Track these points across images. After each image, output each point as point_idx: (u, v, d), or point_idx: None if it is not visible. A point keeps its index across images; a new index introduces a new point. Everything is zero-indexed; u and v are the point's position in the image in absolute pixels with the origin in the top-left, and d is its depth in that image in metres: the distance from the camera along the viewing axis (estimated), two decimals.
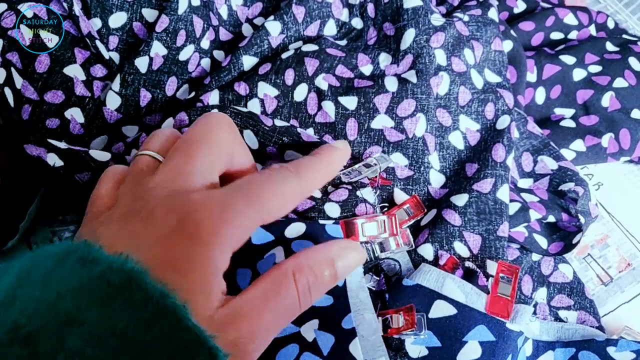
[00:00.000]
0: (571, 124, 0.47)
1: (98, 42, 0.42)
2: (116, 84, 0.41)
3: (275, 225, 0.35)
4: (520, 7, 0.54)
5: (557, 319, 0.40)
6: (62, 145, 0.36)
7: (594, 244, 0.45)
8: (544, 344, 0.38)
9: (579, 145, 0.46)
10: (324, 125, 0.43)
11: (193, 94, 0.42)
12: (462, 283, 0.36)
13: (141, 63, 0.42)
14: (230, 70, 0.43)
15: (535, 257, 0.41)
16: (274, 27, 0.45)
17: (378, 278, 0.37)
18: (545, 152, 0.44)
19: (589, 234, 0.44)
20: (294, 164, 0.27)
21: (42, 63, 0.40)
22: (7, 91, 0.39)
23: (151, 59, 0.42)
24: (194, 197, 0.23)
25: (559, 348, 0.38)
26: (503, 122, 0.44)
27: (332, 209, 0.37)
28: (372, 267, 0.38)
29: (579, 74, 0.49)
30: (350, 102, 0.43)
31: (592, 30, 0.53)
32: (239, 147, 0.29)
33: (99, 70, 0.42)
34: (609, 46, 0.51)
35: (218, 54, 0.46)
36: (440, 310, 0.35)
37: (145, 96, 0.42)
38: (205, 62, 0.45)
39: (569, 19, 0.52)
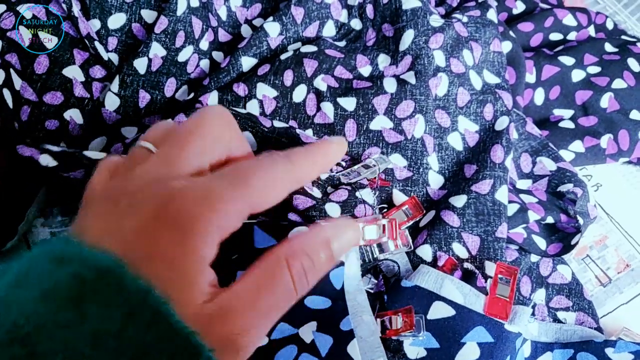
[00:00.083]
0: (570, 125, 0.47)
1: (97, 43, 0.42)
2: (115, 85, 0.41)
3: (277, 229, 0.35)
4: (519, 8, 0.54)
5: (556, 320, 0.40)
6: (56, 148, 0.36)
7: (593, 245, 0.45)
8: (542, 345, 0.38)
9: (577, 146, 0.46)
10: (323, 126, 0.43)
11: (192, 95, 0.42)
12: (461, 284, 0.36)
13: (140, 64, 0.42)
14: (229, 71, 0.43)
15: (534, 258, 0.41)
16: (273, 28, 0.45)
17: (376, 280, 0.37)
18: (544, 153, 0.44)
19: (587, 235, 0.44)
20: (286, 151, 0.26)
21: (41, 64, 0.41)
22: (6, 92, 0.39)
23: (150, 60, 0.42)
24: (174, 184, 0.22)
25: (558, 349, 0.38)
26: (502, 123, 0.44)
27: (333, 209, 0.37)
28: (371, 268, 0.38)
29: (577, 75, 0.49)
30: (349, 103, 0.43)
31: (591, 31, 0.53)
32: (237, 141, 0.28)
33: (98, 72, 0.42)
34: (608, 47, 0.51)
35: (217, 55, 0.46)
36: (438, 311, 0.35)
37: (144, 97, 0.42)
38: (204, 63, 0.45)
39: (568, 19, 0.52)
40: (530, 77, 0.49)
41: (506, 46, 0.48)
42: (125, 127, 0.42)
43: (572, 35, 0.53)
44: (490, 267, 0.38)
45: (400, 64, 0.45)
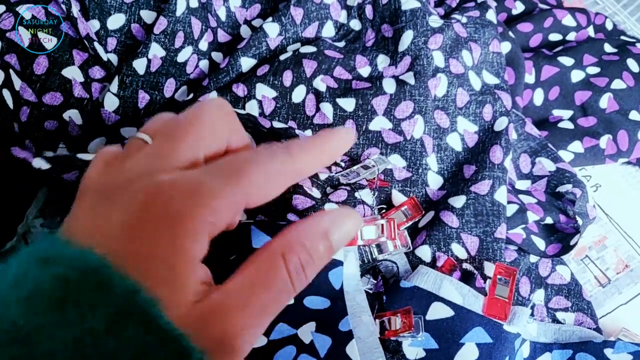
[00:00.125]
0: (569, 125, 0.47)
1: (96, 44, 0.42)
2: (114, 86, 0.41)
3: (276, 229, 0.35)
4: (518, 8, 0.54)
5: (555, 320, 0.40)
6: (49, 153, 0.36)
7: (592, 246, 0.45)
8: (541, 345, 0.38)
9: (577, 146, 0.46)
10: (322, 126, 0.43)
11: (191, 95, 0.42)
12: (460, 285, 0.36)
13: (139, 65, 0.42)
14: (229, 71, 0.43)
15: (533, 258, 0.41)
16: (272, 28, 0.45)
17: (375, 280, 0.37)
18: (543, 153, 0.44)
19: (586, 236, 0.44)
20: (286, 142, 0.25)
21: (41, 65, 0.41)
22: (6, 93, 0.39)
23: (149, 61, 0.42)
24: (162, 178, 0.21)
25: (557, 350, 0.38)
26: (501, 123, 0.44)
27: None
28: (370, 269, 0.38)
29: (577, 76, 0.49)
30: (348, 103, 0.43)
31: (590, 31, 0.53)
32: (237, 134, 0.26)
33: (97, 72, 0.42)
34: (607, 47, 0.51)
35: (216, 56, 0.46)
36: (437, 312, 0.35)
37: (143, 98, 0.42)
38: (204, 64, 0.45)
39: (567, 20, 0.52)
40: (530, 78, 0.49)
41: (505, 47, 0.48)
42: (125, 127, 0.42)
43: (571, 36, 0.53)
44: (489, 268, 0.38)
45: (400, 65, 0.45)
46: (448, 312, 0.35)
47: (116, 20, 0.44)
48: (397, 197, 0.41)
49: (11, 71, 0.39)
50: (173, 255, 0.20)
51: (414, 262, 0.39)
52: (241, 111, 0.40)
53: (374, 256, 0.38)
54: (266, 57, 0.45)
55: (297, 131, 0.41)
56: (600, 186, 0.48)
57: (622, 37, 0.53)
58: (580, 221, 0.40)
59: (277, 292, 0.21)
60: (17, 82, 0.40)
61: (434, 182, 0.42)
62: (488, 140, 0.43)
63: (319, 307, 0.34)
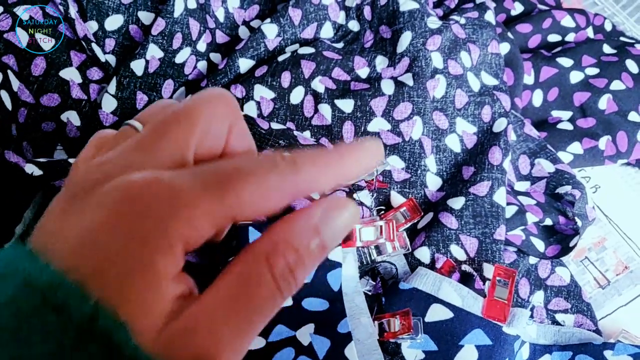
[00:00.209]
0: (568, 126, 0.47)
1: (94, 45, 0.42)
2: (112, 87, 0.41)
3: None
4: (517, 9, 0.54)
5: (554, 322, 0.40)
6: (42, 160, 0.36)
7: (591, 247, 0.45)
8: (540, 347, 0.38)
9: (576, 147, 0.46)
10: (321, 128, 0.43)
11: (189, 96, 0.42)
12: (459, 287, 0.36)
13: (137, 66, 0.42)
14: (227, 72, 0.43)
15: (532, 260, 0.41)
16: (270, 29, 0.45)
17: (374, 282, 0.37)
18: (542, 154, 0.44)
19: (586, 237, 0.44)
20: (294, 153, 0.20)
21: (38, 66, 0.40)
22: (4, 94, 0.39)
23: (147, 62, 0.42)
24: (135, 179, 0.18)
25: (556, 352, 0.37)
26: (500, 124, 0.44)
27: None
28: (369, 270, 0.38)
29: (576, 77, 0.49)
30: (346, 105, 0.43)
31: (589, 32, 0.53)
32: (237, 131, 0.22)
33: (95, 73, 0.42)
34: (606, 48, 0.51)
35: (214, 57, 0.46)
36: (436, 314, 0.35)
37: (141, 99, 0.42)
38: (202, 65, 0.45)
39: (566, 21, 0.52)
40: (529, 79, 0.49)
41: (504, 48, 0.48)
42: None
43: (570, 37, 0.53)
44: (489, 270, 0.38)
45: (398, 66, 0.44)
46: (447, 314, 0.35)
47: (114, 22, 0.44)
48: (396, 199, 0.41)
49: (9, 72, 0.39)
50: (141, 272, 0.17)
51: (413, 263, 0.38)
52: None
53: (372, 258, 0.38)
54: (264, 58, 0.45)
55: (295, 132, 0.41)
56: (600, 187, 0.48)
57: (621, 38, 0.53)
58: (579, 222, 0.40)
59: (262, 302, 0.18)
60: (15, 83, 0.40)
61: (433, 183, 0.42)
62: (487, 142, 0.43)
63: (318, 308, 0.34)
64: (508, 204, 0.41)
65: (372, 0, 0.48)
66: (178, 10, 0.43)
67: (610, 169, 0.48)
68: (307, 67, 0.43)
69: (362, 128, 0.42)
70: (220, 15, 0.47)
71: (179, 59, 0.44)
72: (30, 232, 0.40)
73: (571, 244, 0.41)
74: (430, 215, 0.41)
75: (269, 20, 0.45)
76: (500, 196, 0.40)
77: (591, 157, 0.46)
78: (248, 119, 0.39)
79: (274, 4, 0.49)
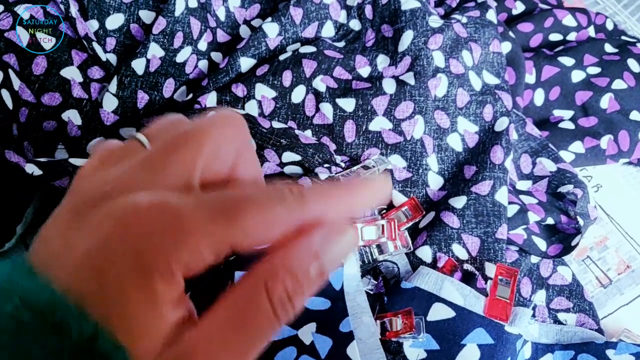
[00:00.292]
0: (570, 125, 0.47)
1: (95, 44, 0.42)
2: (113, 86, 0.41)
3: None
4: (518, 8, 0.54)
5: (556, 321, 0.39)
6: (42, 159, 0.36)
7: (593, 246, 0.45)
8: (543, 346, 0.38)
9: (577, 147, 0.46)
10: (322, 127, 0.43)
11: (190, 95, 0.42)
12: (461, 286, 0.36)
13: (138, 65, 0.42)
14: (228, 71, 0.43)
15: (534, 259, 0.41)
16: (271, 28, 0.45)
17: (376, 281, 0.37)
18: (544, 154, 0.44)
19: (588, 236, 0.44)
20: (302, 186, 0.20)
21: (39, 65, 0.40)
22: (5, 93, 0.39)
23: (148, 61, 0.42)
24: (142, 200, 0.18)
25: (558, 351, 0.37)
26: (501, 124, 0.43)
27: None
28: (370, 269, 0.38)
29: (577, 76, 0.49)
30: (348, 104, 0.43)
31: (591, 31, 0.53)
32: (245, 156, 0.23)
33: (96, 72, 0.42)
34: (608, 47, 0.51)
35: (215, 56, 0.46)
36: (438, 313, 0.35)
37: (142, 98, 0.42)
38: (203, 64, 0.45)
39: (568, 20, 0.52)
40: (530, 78, 0.49)
41: (506, 47, 0.48)
42: (124, 128, 0.42)
43: (571, 36, 0.52)
44: (491, 269, 0.38)
45: (400, 65, 0.44)
46: (449, 313, 0.35)
47: (115, 20, 0.44)
48: (398, 198, 0.41)
49: (10, 71, 0.39)
50: (142, 296, 0.17)
51: (415, 262, 0.38)
52: (241, 111, 0.40)
53: (374, 257, 0.38)
54: (266, 57, 0.45)
55: (296, 131, 0.41)
56: (601, 186, 0.48)
57: (623, 37, 0.53)
58: (581, 222, 0.40)
59: (260, 328, 0.19)
60: (16, 82, 0.40)
61: (435, 182, 0.42)
62: (489, 141, 0.43)
63: (320, 307, 0.34)
64: (510, 203, 0.41)
65: None
66: (179, 9, 0.43)
67: (612, 168, 0.48)
68: (309, 66, 0.43)
69: (364, 127, 0.42)
70: (221, 14, 0.47)
71: (180, 58, 0.44)
72: (31, 232, 0.40)
73: (573, 243, 0.40)
74: (432, 214, 0.40)
75: (270, 19, 0.45)
76: (502, 195, 0.40)
77: (593, 156, 0.46)
78: (249, 118, 0.39)
79: (275, 3, 0.49)
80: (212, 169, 0.21)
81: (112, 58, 0.43)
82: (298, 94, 0.43)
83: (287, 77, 0.43)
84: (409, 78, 0.43)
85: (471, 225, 0.39)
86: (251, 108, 0.42)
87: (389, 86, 0.43)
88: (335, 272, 0.35)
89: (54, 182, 0.36)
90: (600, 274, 0.43)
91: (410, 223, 0.40)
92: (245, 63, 0.44)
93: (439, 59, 0.44)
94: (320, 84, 0.43)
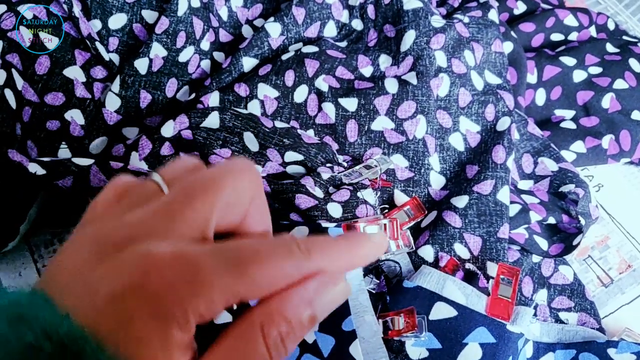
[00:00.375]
0: (571, 125, 0.47)
1: (98, 44, 0.42)
2: (116, 86, 0.41)
3: (278, 228, 0.35)
4: (520, 8, 0.54)
5: (558, 320, 0.40)
6: (46, 159, 0.36)
7: (595, 246, 0.45)
8: (544, 345, 0.38)
9: (579, 146, 0.46)
10: (325, 126, 0.43)
11: (193, 95, 0.42)
12: (463, 285, 0.36)
13: (141, 64, 0.42)
14: (231, 71, 0.43)
15: (536, 258, 0.41)
16: (274, 28, 0.45)
17: (378, 280, 0.37)
18: (545, 153, 0.44)
19: (589, 236, 0.44)
20: (309, 241, 0.22)
21: (42, 65, 0.40)
22: (8, 93, 0.39)
23: (151, 61, 0.42)
24: (164, 251, 0.20)
25: (560, 350, 0.38)
26: (503, 123, 0.44)
27: (335, 209, 0.37)
28: (373, 268, 0.38)
29: (579, 76, 0.49)
30: (350, 103, 0.43)
31: (592, 31, 0.53)
32: (257, 207, 0.24)
33: (99, 72, 0.42)
34: (609, 47, 0.51)
35: (218, 56, 0.46)
36: (440, 312, 0.35)
37: (145, 98, 0.42)
38: (205, 64, 0.45)
39: (569, 20, 0.52)
40: (532, 78, 0.49)
41: (507, 47, 0.48)
42: (127, 127, 0.42)
43: (573, 36, 0.53)
44: (492, 268, 0.38)
45: (402, 65, 0.45)
46: (451, 312, 0.35)
47: (118, 20, 0.44)
48: (400, 197, 0.41)
49: (13, 71, 0.39)
50: (157, 340, 0.19)
51: (417, 262, 0.39)
52: (243, 111, 0.40)
53: None
54: (268, 57, 0.45)
55: (299, 131, 0.41)
56: (603, 186, 0.48)
57: (624, 37, 0.53)
58: (582, 221, 0.40)
59: None
60: (20, 82, 0.40)
61: (437, 182, 0.42)
62: (490, 140, 0.43)
63: None
64: (511, 202, 0.41)
65: None
66: (182, 9, 0.43)
67: (613, 168, 0.49)
68: (311, 66, 0.43)
69: (366, 127, 0.42)
70: (224, 14, 0.47)
71: (182, 57, 0.44)
72: (34, 232, 0.40)
73: (574, 243, 0.41)
74: (434, 213, 0.41)
75: (272, 19, 0.45)
76: (504, 195, 0.40)
77: (594, 155, 0.46)
78: (252, 118, 0.39)
79: (277, 2, 0.49)
80: (226, 217, 0.22)
81: (115, 58, 0.44)
82: (300, 94, 0.43)
83: (289, 77, 0.43)
84: (412, 78, 0.43)
85: (473, 224, 0.39)
86: (254, 108, 0.42)
87: (392, 86, 0.43)
88: None
89: (57, 181, 0.36)
90: (601, 273, 0.44)
91: (413, 222, 0.40)
92: (248, 63, 0.44)
93: (441, 59, 0.44)
94: (323, 83, 0.43)
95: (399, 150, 0.42)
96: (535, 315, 0.39)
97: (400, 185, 0.42)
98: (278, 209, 0.37)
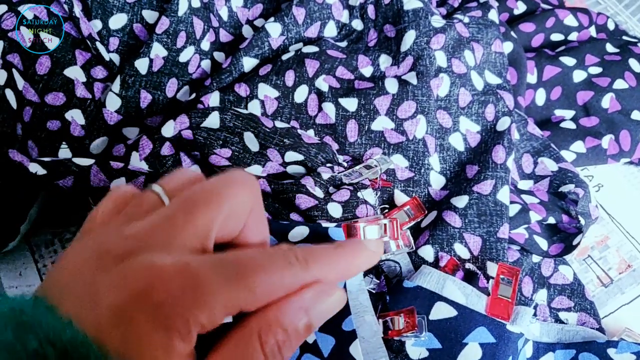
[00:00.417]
0: (571, 125, 0.47)
1: (98, 44, 0.42)
2: (116, 86, 0.41)
3: (278, 228, 0.35)
4: (520, 8, 0.54)
5: (558, 320, 0.40)
6: (46, 159, 0.36)
7: (594, 246, 0.45)
8: (544, 345, 0.38)
9: (579, 146, 0.46)
10: (325, 126, 0.43)
11: (193, 95, 0.42)
12: (463, 285, 0.36)
13: (141, 64, 0.42)
14: (231, 71, 0.43)
15: (536, 258, 0.41)
16: (274, 28, 0.45)
17: (378, 280, 0.37)
18: (545, 153, 0.44)
19: (589, 236, 0.44)
20: (306, 251, 0.23)
21: (43, 65, 0.40)
22: (9, 93, 0.39)
23: (151, 61, 0.42)
24: (167, 264, 0.20)
25: (560, 350, 0.38)
26: (503, 123, 0.44)
27: (335, 209, 0.37)
28: (373, 268, 0.38)
29: (579, 76, 0.49)
30: (350, 103, 0.43)
31: (592, 31, 0.53)
32: (255, 218, 0.24)
33: (99, 72, 0.42)
34: (609, 47, 0.51)
35: (218, 56, 0.46)
36: (440, 312, 0.35)
37: (145, 98, 0.42)
38: (206, 64, 0.45)
39: (569, 20, 0.52)
40: (532, 78, 0.49)
41: (507, 47, 0.48)
42: (127, 127, 0.42)
43: (573, 36, 0.53)
44: (492, 268, 0.38)
45: (402, 65, 0.45)
46: (451, 312, 0.35)
47: (118, 20, 0.44)
48: (400, 197, 0.41)
49: (14, 71, 0.39)
50: (160, 350, 0.19)
51: (417, 262, 0.39)
52: (244, 111, 0.40)
53: None
54: (268, 57, 0.45)
55: (299, 131, 0.41)
56: (603, 186, 0.48)
57: (624, 37, 0.53)
58: (582, 221, 0.40)
59: None
60: (20, 82, 0.40)
61: (437, 182, 0.42)
62: (490, 140, 0.43)
63: None
64: (511, 202, 0.41)
65: None
66: (182, 9, 0.43)
67: (613, 168, 0.49)
68: (311, 66, 0.44)
69: (366, 127, 0.42)
70: (224, 14, 0.47)
71: (183, 57, 0.44)
72: (35, 232, 0.40)
73: (574, 243, 0.41)
74: (434, 213, 0.41)
75: (272, 19, 0.45)
76: (504, 195, 0.40)
77: (594, 155, 0.46)
78: (252, 118, 0.39)
79: (277, 2, 0.49)
80: (226, 229, 0.23)
81: (116, 58, 0.44)
82: (301, 94, 0.43)
83: (289, 77, 0.43)
84: (412, 78, 0.43)
85: (473, 224, 0.39)
86: (254, 108, 0.42)
87: (392, 86, 0.43)
88: None
89: (57, 181, 0.36)
90: (601, 273, 0.44)
91: (413, 222, 0.40)
92: (248, 63, 0.44)
93: (441, 59, 0.44)
94: (323, 83, 0.43)
95: (399, 150, 0.42)
96: (535, 315, 0.39)
97: (400, 185, 0.42)
98: (278, 209, 0.37)
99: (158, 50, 0.42)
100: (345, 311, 0.34)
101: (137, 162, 0.38)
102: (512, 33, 0.49)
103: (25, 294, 0.20)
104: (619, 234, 0.45)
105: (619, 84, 0.48)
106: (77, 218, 0.42)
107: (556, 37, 0.52)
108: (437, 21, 0.45)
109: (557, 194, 0.43)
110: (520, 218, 0.40)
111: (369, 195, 0.39)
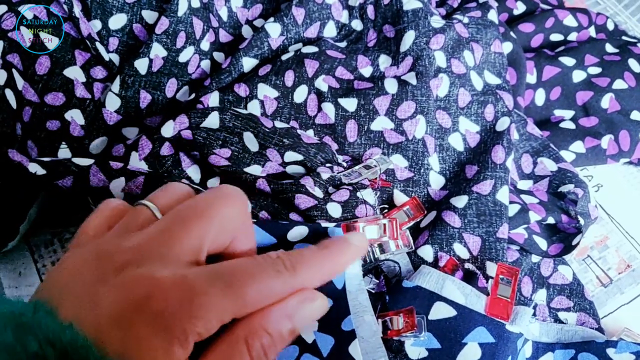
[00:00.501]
0: (571, 125, 0.47)
1: (98, 44, 0.42)
2: (116, 86, 0.41)
3: (278, 228, 0.35)
4: (519, 8, 0.54)
5: (557, 320, 0.40)
6: (46, 159, 0.36)
7: (594, 246, 0.45)
8: (543, 345, 0.38)
9: (578, 146, 0.46)
10: (324, 126, 0.43)
11: (193, 95, 0.42)
12: (462, 285, 0.36)
13: (141, 65, 0.42)
14: (231, 71, 0.43)
15: (535, 258, 0.41)
16: (274, 28, 0.45)
17: (378, 280, 0.37)
18: (544, 153, 0.44)
19: (588, 236, 0.44)
20: (293, 257, 0.24)
21: (43, 65, 0.41)
22: (9, 93, 0.39)
23: (151, 61, 0.42)
24: (162, 276, 0.21)
25: (559, 349, 0.38)
26: (503, 123, 0.44)
27: (334, 209, 0.37)
28: (372, 268, 0.38)
29: (578, 76, 0.49)
30: (350, 103, 0.43)
31: (591, 31, 0.53)
32: (244, 230, 0.26)
33: (99, 72, 0.42)
34: (609, 48, 0.51)
35: (218, 56, 0.46)
36: (440, 311, 0.35)
37: (145, 98, 0.42)
38: (205, 64, 0.45)
39: (569, 20, 0.52)
40: (531, 78, 0.49)
41: (507, 47, 0.48)
42: (127, 127, 0.42)
43: (572, 36, 0.53)
44: (492, 268, 0.38)
45: (401, 65, 0.45)
46: (450, 312, 0.35)
47: (118, 20, 0.44)
48: (399, 197, 0.41)
49: (14, 71, 0.39)
50: (158, 353, 0.20)
51: (416, 262, 0.39)
52: (243, 111, 0.40)
53: (376, 256, 0.38)
54: (268, 57, 0.45)
55: (299, 131, 0.41)
56: (602, 186, 0.48)
57: (624, 38, 0.53)
58: (582, 221, 0.40)
59: None
60: (20, 82, 0.40)
61: (436, 182, 0.42)
62: (490, 140, 0.43)
63: None
64: (511, 202, 0.41)
65: None
66: (182, 9, 0.43)
67: (613, 168, 0.49)
68: (311, 66, 0.44)
69: (366, 127, 0.42)
70: (224, 14, 0.47)
71: (182, 57, 0.44)
72: (34, 232, 0.40)
73: (573, 243, 0.41)
74: (433, 213, 0.41)
75: (272, 19, 0.45)
76: (503, 195, 0.40)
77: (593, 156, 0.46)
78: (252, 118, 0.39)
79: (277, 3, 0.49)
80: (217, 241, 0.24)
81: (115, 58, 0.44)
82: (300, 94, 0.43)
83: (289, 77, 0.43)
84: (411, 78, 0.43)
85: (473, 224, 0.39)
86: (254, 108, 0.42)
87: (391, 86, 0.43)
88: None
89: (57, 181, 0.36)
90: (600, 273, 0.44)
91: (412, 222, 0.40)
92: (248, 63, 0.44)
93: (440, 59, 0.44)
94: (323, 83, 0.43)
95: (399, 151, 0.42)
96: (534, 315, 0.39)
97: (400, 185, 0.42)
98: (277, 208, 0.37)
99: (158, 51, 0.43)
100: (345, 311, 0.34)
101: (136, 162, 0.38)
102: (512, 33, 0.49)
103: (25, 298, 0.21)
104: (619, 234, 0.45)
105: (619, 84, 0.48)
106: (77, 218, 0.42)
107: (555, 37, 0.52)
108: (436, 21, 0.45)
109: (556, 194, 0.43)
110: (520, 218, 0.40)
111: (368, 195, 0.39)
